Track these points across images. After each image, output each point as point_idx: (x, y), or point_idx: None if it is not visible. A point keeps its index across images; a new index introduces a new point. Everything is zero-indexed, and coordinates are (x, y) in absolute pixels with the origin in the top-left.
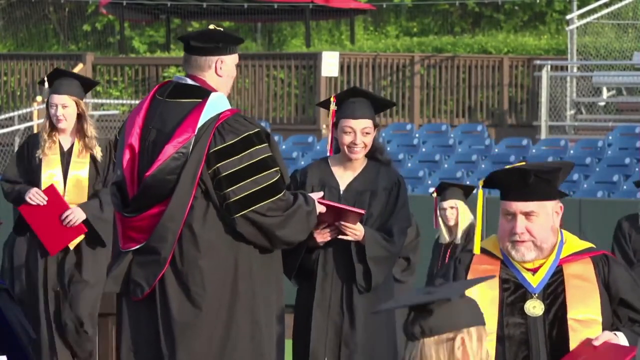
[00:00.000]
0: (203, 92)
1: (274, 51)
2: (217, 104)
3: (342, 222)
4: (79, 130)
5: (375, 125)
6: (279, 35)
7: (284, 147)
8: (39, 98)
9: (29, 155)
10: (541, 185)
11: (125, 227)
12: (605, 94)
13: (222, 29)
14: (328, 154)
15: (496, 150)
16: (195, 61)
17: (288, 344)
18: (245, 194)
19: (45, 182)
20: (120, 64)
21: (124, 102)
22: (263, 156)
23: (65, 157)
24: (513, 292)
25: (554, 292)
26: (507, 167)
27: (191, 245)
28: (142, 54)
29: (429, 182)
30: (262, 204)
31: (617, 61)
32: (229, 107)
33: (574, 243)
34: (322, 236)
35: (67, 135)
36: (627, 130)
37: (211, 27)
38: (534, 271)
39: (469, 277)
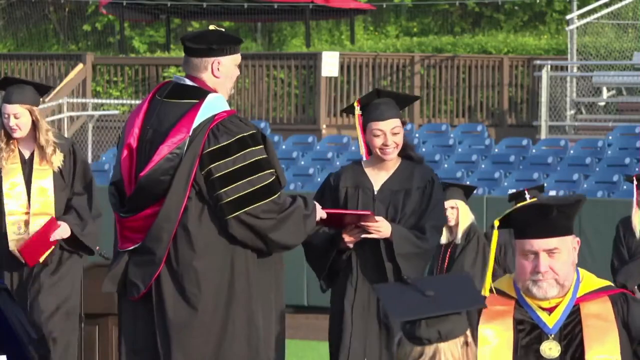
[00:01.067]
0: (201, 93)
1: (274, 51)
2: (213, 105)
3: (363, 223)
4: (37, 138)
5: (403, 122)
6: (279, 35)
7: (284, 147)
8: None
9: None
10: (562, 220)
11: (122, 227)
12: (605, 94)
13: (221, 30)
14: (364, 159)
15: (496, 150)
16: (193, 62)
17: (289, 344)
18: (239, 195)
19: (7, 193)
20: (120, 64)
21: (124, 102)
22: (257, 158)
23: (27, 166)
24: (528, 333)
25: (571, 332)
26: (523, 203)
27: (186, 245)
28: (142, 54)
29: None
30: (255, 205)
31: (617, 61)
32: (226, 108)
33: (590, 281)
34: (350, 237)
35: (26, 144)
36: (627, 130)
37: (211, 27)
38: (550, 311)
39: (482, 318)
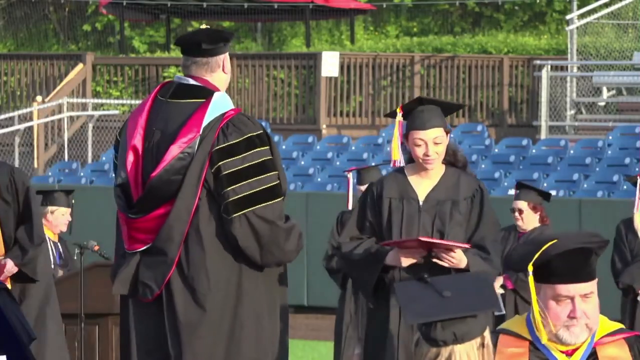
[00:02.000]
0: (206, 92)
1: (274, 51)
2: (220, 104)
3: (439, 250)
4: None
5: (447, 132)
6: (279, 35)
7: (284, 147)
8: (38, 98)
9: None
10: (594, 263)
11: (130, 229)
12: (605, 94)
13: (211, 28)
14: (399, 165)
15: (496, 150)
16: (202, 62)
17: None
18: (245, 194)
19: None
20: (120, 64)
21: (124, 102)
22: (264, 158)
23: None
24: None
25: None
26: (564, 250)
27: (197, 245)
28: (142, 54)
29: None
30: (260, 205)
31: (617, 61)
32: (232, 106)
33: (605, 324)
34: (411, 259)
35: None
36: (627, 130)
37: (203, 26)
38: (569, 354)
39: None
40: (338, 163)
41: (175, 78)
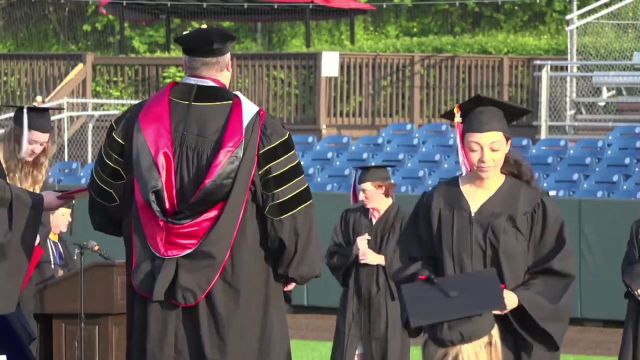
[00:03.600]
0: (228, 93)
1: (274, 51)
2: (249, 104)
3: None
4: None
5: (507, 138)
6: (279, 35)
7: None
8: (38, 98)
9: None
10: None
11: (170, 234)
12: (605, 94)
13: (214, 27)
14: (464, 172)
15: None
16: (212, 62)
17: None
18: (292, 195)
19: None
20: (120, 64)
21: (124, 102)
22: (297, 160)
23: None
24: None
25: None
26: None
27: (243, 248)
28: (142, 54)
29: (429, 182)
30: (303, 206)
31: (617, 61)
32: (256, 106)
33: None
34: None
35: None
36: (627, 130)
37: (204, 26)
38: None
39: None
40: (338, 163)
41: (190, 80)
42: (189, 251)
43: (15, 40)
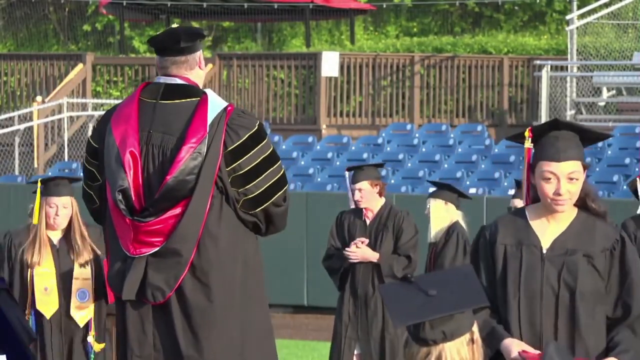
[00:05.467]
0: (197, 90)
1: (274, 51)
2: (217, 100)
3: None
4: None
5: (585, 167)
6: (279, 35)
7: (284, 147)
8: (39, 98)
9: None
10: None
11: (138, 233)
12: (605, 94)
13: (185, 26)
14: (525, 204)
15: (496, 150)
16: (181, 60)
17: (289, 344)
18: (265, 187)
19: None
20: (120, 64)
21: None
22: (270, 149)
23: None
24: None
25: None
26: None
27: (210, 244)
28: (142, 54)
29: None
30: (278, 195)
31: (617, 61)
32: (225, 102)
33: None
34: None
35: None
36: (627, 130)
37: (174, 25)
38: None
39: None
40: (338, 163)
41: (159, 79)
42: (156, 249)
43: (15, 40)
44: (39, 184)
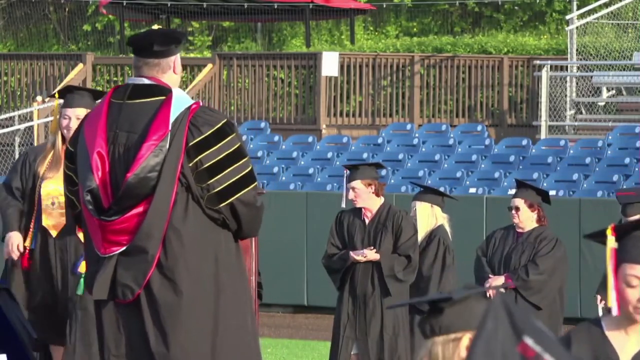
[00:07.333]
0: (164, 90)
1: (274, 51)
2: (182, 99)
3: None
4: None
5: None
6: (279, 35)
7: (283, 147)
8: (39, 98)
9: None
10: None
11: (105, 232)
12: (605, 94)
13: (166, 29)
14: (614, 313)
15: (496, 150)
16: (154, 63)
17: (289, 344)
18: (228, 183)
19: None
20: (120, 64)
21: None
22: (236, 145)
23: None
24: None
25: None
26: None
27: (175, 240)
28: None
29: (429, 182)
30: (244, 191)
31: (617, 61)
32: (192, 101)
33: None
34: None
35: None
36: (627, 130)
37: (155, 27)
38: None
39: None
40: (338, 163)
41: (129, 80)
42: (124, 248)
43: (15, 40)
44: (56, 95)
